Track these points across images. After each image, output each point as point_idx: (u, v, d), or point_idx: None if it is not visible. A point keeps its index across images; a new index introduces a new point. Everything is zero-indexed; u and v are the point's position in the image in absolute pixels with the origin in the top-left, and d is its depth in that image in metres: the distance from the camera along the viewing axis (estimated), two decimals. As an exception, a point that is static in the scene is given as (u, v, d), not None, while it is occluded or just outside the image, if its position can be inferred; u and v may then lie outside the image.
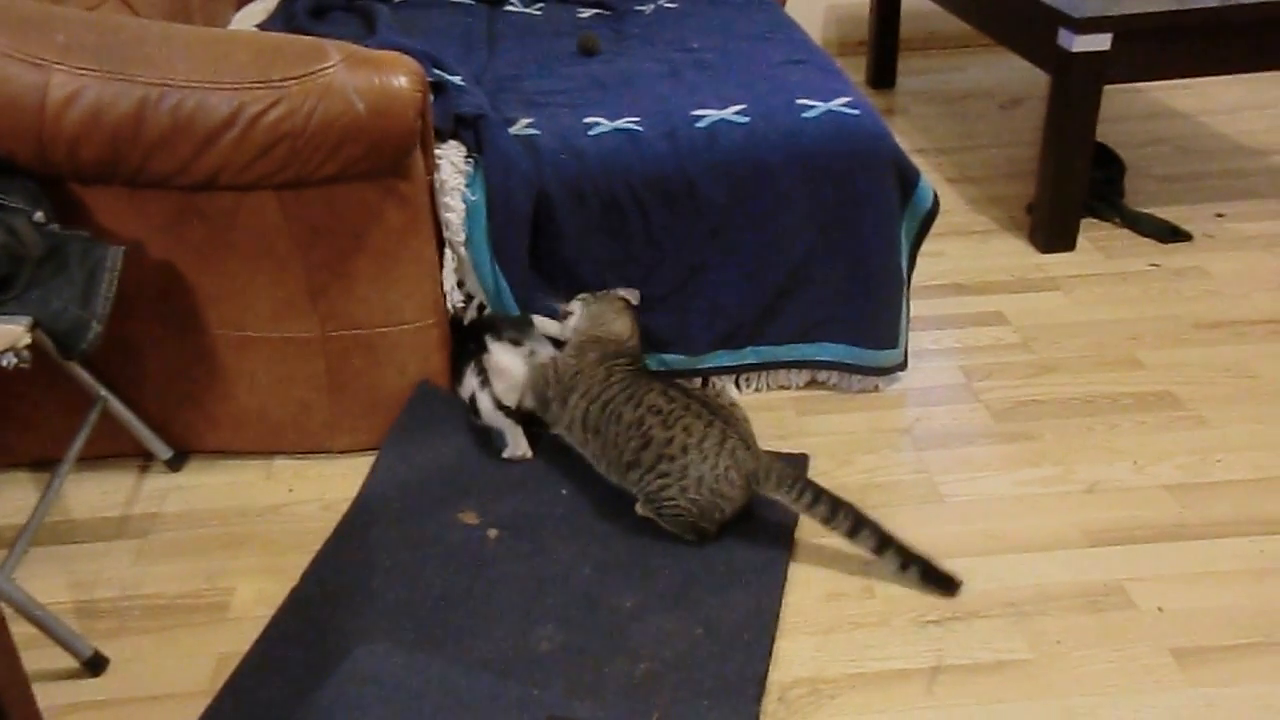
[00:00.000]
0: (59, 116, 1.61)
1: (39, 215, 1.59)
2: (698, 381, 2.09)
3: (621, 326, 1.89)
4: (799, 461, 1.88)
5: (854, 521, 1.61)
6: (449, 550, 1.71)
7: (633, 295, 1.96)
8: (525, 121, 2.06)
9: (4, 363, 1.45)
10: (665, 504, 1.67)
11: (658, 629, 1.55)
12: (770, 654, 1.52)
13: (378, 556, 1.70)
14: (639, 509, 1.74)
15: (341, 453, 1.99)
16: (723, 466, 1.64)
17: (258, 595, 1.69)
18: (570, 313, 1.93)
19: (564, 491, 1.81)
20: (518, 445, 1.87)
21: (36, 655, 1.57)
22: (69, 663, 1.57)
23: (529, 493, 1.82)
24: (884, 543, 1.62)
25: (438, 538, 1.73)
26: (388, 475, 1.86)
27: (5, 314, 1.48)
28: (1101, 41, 2.36)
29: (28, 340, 1.47)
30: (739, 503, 1.67)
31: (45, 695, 1.52)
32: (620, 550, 1.69)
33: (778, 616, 1.58)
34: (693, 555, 1.68)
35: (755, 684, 1.46)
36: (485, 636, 1.55)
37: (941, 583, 1.63)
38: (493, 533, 1.74)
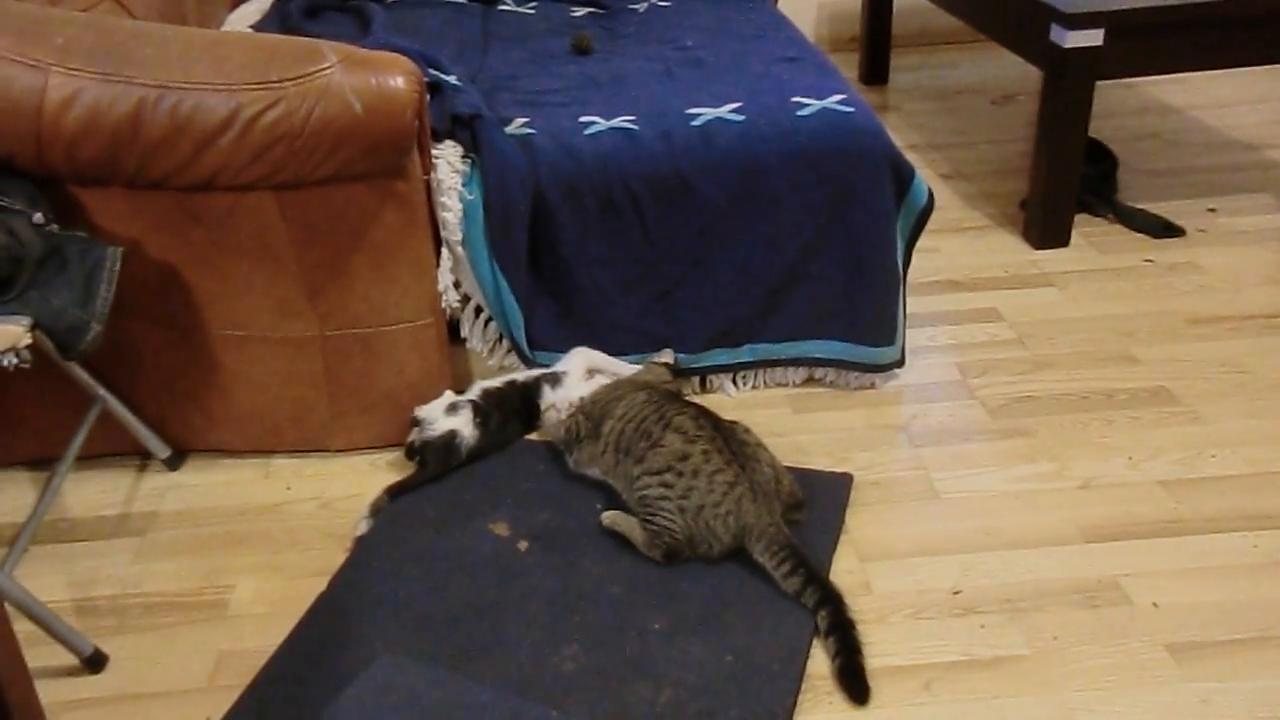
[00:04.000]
0: (57, 118, 1.61)
1: (38, 216, 1.60)
2: (712, 379, 2.10)
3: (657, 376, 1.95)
4: (842, 481, 1.85)
5: (818, 599, 1.56)
6: (478, 561, 1.71)
7: (668, 355, 2.04)
8: (521, 121, 2.06)
9: (4, 363, 1.45)
10: (659, 514, 1.65)
11: (685, 654, 1.53)
12: (800, 687, 1.49)
13: (406, 565, 1.70)
14: (605, 518, 1.73)
15: (339, 451, 1.99)
16: (724, 510, 1.62)
17: (256, 593, 1.70)
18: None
19: (598, 506, 1.79)
20: None
21: (37, 653, 1.57)
22: (69, 660, 1.58)
23: (562, 506, 1.81)
24: (832, 627, 1.53)
25: (468, 547, 1.73)
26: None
27: (5, 314, 1.49)
28: (1093, 37, 2.37)
29: (28, 340, 1.48)
30: (726, 549, 1.65)
31: (46, 692, 1.52)
32: (651, 570, 1.67)
33: (810, 648, 1.54)
34: (725, 579, 1.65)
35: (783, 717, 1.44)
36: (510, 652, 1.55)
37: (853, 689, 1.48)
38: (523, 545, 1.74)
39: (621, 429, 1.76)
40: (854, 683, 1.48)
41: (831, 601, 1.55)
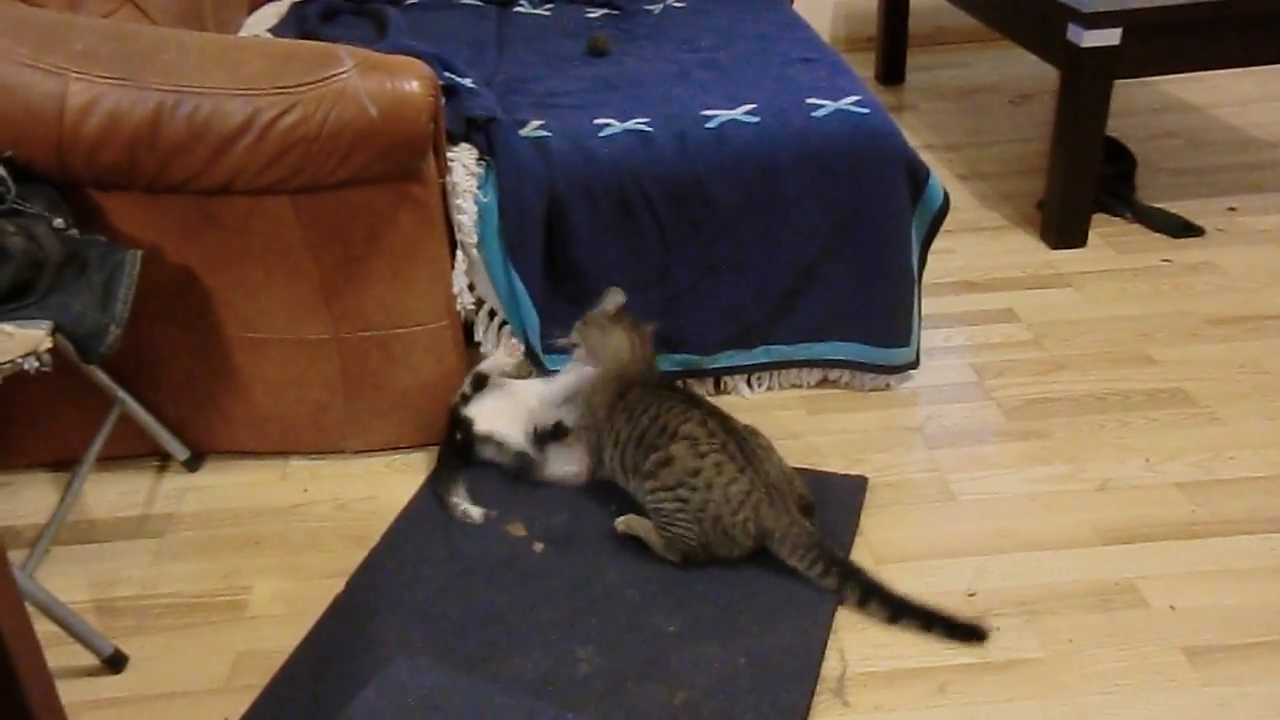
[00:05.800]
0: (77, 124, 1.62)
1: (58, 221, 1.61)
2: (723, 381, 2.10)
3: (616, 347, 1.82)
4: (858, 484, 1.85)
5: (862, 592, 1.57)
6: (494, 563, 1.72)
7: (617, 296, 1.88)
8: (536, 123, 2.07)
9: (25, 366, 1.46)
10: (676, 524, 1.65)
11: (699, 656, 1.53)
12: (814, 689, 1.49)
13: (422, 566, 1.71)
14: (619, 524, 1.73)
15: (356, 453, 2.00)
16: (741, 518, 1.62)
17: (274, 594, 1.71)
18: (575, 344, 1.88)
19: (614, 508, 1.79)
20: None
21: (58, 653, 1.58)
22: (90, 660, 1.59)
23: (578, 508, 1.82)
24: (897, 610, 1.56)
25: (484, 549, 1.74)
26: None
27: (26, 318, 1.50)
28: (1111, 36, 2.35)
29: (49, 344, 1.49)
30: (746, 551, 1.65)
31: (67, 692, 1.53)
32: (666, 572, 1.67)
33: (824, 650, 1.54)
34: (740, 582, 1.65)
35: (797, 719, 1.44)
36: (525, 654, 1.55)
37: (968, 634, 1.55)
38: (539, 546, 1.75)
39: (621, 456, 1.74)
40: (966, 630, 1.54)
41: (876, 593, 1.56)
